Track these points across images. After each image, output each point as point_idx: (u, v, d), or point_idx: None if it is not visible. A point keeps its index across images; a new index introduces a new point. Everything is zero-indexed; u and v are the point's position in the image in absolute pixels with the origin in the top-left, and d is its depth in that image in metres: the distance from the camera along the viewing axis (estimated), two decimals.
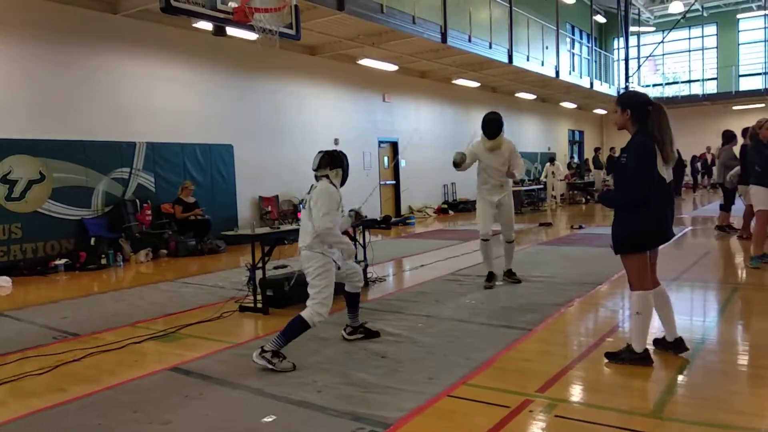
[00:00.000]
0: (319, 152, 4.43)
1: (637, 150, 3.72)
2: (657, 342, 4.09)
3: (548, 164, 19.23)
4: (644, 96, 3.92)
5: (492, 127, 6.29)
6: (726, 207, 10.23)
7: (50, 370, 4.16)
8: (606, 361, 3.92)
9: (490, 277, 6.60)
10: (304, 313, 4.09)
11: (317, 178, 4.38)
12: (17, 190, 8.66)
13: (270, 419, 3.21)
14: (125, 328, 5.31)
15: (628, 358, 3.84)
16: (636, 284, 3.83)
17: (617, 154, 20.78)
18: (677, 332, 3.99)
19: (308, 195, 4.36)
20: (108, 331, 5.19)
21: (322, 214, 4.13)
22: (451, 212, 17.63)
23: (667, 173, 3.73)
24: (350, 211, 4.82)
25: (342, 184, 4.42)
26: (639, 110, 3.77)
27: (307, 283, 4.22)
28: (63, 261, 8.76)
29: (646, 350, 3.85)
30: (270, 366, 3.94)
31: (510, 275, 6.77)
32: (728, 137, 10.17)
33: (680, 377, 3.68)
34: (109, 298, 6.72)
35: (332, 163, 4.37)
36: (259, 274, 5.82)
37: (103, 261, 8.97)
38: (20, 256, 8.62)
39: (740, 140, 9.69)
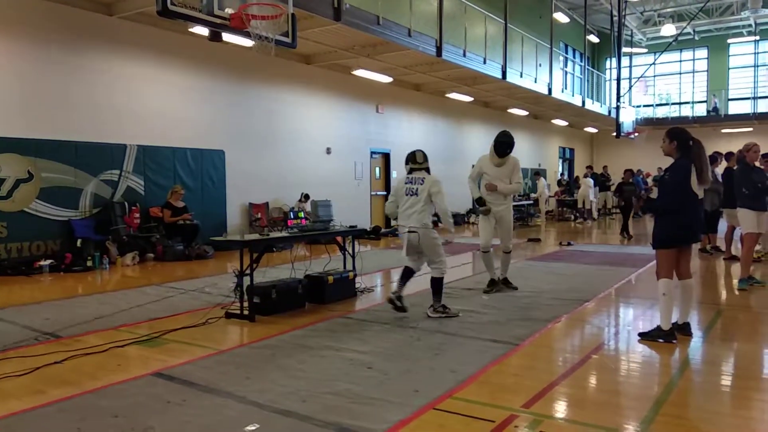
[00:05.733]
0: (411, 152, 5.89)
1: (676, 171, 4.82)
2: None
3: (541, 180, 19.37)
4: (687, 132, 4.94)
5: (506, 148, 6.71)
6: (708, 229, 10.30)
7: (30, 371, 4.10)
8: (639, 339, 4.87)
9: (492, 283, 7.01)
10: (437, 273, 5.71)
11: (413, 170, 5.81)
12: (4, 188, 8.57)
13: (253, 428, 3.17)
14: (109, 331, 5.25)
15: (657, 335, 4.80)
16: (662, 273, 4.85)
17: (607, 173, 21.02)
18: (687, 318, 5.00)
19: (414, 185, 5.70)
20: (91, 334, 5.13)
21: (443, 200, 5.66)
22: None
23: (699, 191, 4.77)
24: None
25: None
26: (683, 142, 4.85)
27: (423, 252, 5.73)
28: (48, 262, 8.66)
29: (672, 328, 4.79)
30: (448, 314, 5.64)
31: (506, 283, 7.10)
32: (711, 159, 10.21)
33: (666, 396, 3.68)
34: (94, 301, 6.64)
35: (426, 158, 5.88)
36: (247, 280, 5.78)
37: (89, 263, 8.89)
38: (4, 255, 8.51)
39: (723, 164, 9.81)
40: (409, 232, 5.66)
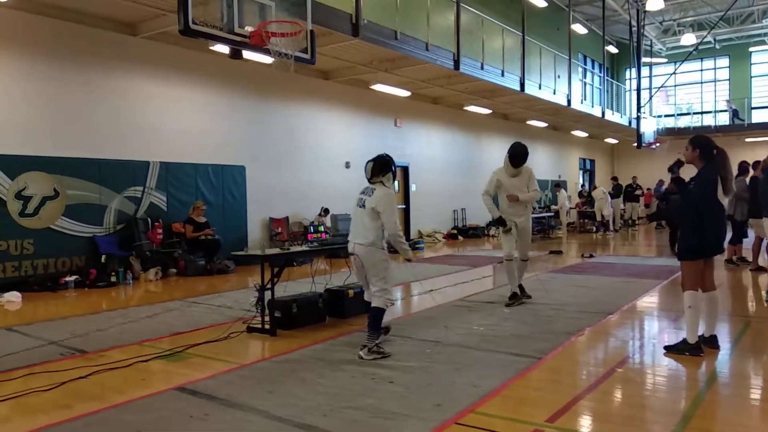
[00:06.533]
0: (368, 161, 5.03)
1: (703, 180, 4.73)
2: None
3: (562, 191, 19.20)
4: (711, 140, 4.86)
5: (521, 159, 6.78)
6: (735, 240, 10.12)
7: (57, 386, 4.15)
8: (665, 352, 4.76)
9: (514, 296, 6.98)
10: (379, 302, 4.84)
11: (373, 184, 4.99)
12: (31, 206, 8.75)
13: None
14: (132, 346, 5.31)
15: (683, 348, 4.69)
16: (688, 285, 4.75)
17: (637, 183, 20.72)
18: (714, 331, 4.87)
19: (365, 195, 4.95)
20: (115, 349, 5.19)
21: (394, 219, 4.86)
22: (460, 238, 17.59)
23: (724, 201, 4.82)
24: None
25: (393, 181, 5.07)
26: (706, 150, 4.76)
27: (374, 274, 4.92)
28: (73, 278, 8.81)
29: (698, 341, 4.67)
30: (381, 355, 4.69)
31: (521, 290, 7.14)
32: (742, 169, 10.03)
33: (693, 410, 3.61)
34: (118, 316, 6.72)
35: (383, 169, 5.01)
36: (268, 295, 5.81)
37: (113, 279, 9.01)
38: (31, 272, 8.67)
39: (751, 172, 9.63)
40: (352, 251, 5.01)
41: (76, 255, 9.21)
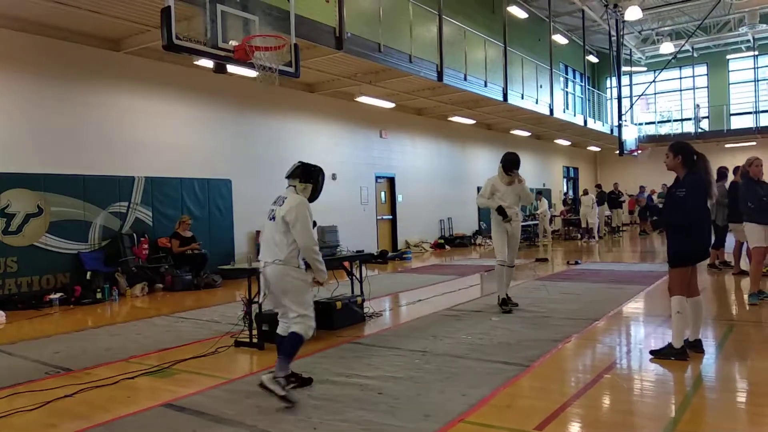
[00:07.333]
0: (298, 162, 4.42)
1: (693, 186, 4.69)
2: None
3: (543, 200, 19.31)
4: (692, 146, 4.86)
5: (514, 165, 7.06)
6: (718, 244, 10.26)
7: (41, 406, 4.10)
8: (651, 357, 4.79)
9: (504, 302, 7.13)
10: (299, 330, 4.07)
11: (288, 186, 4.35)
12: (14, 224, 8.66)
13: None
14: (119, 363, 5.25)
15: (669, 353, 4.73)
16: (676, 291, 4.77)
17: (619, 190, 20.91)
18: (699, 335, 4.93)
19: (275, 206, 4.23)
20: (101, 367, 5.13)
21: (307, 230, 4.11)
22: (447, 247, 17.65)
23: (708, 205, 4.82)
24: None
25: (312, 199, 4.35)
26: (688, 156, 4.76)
27: (289, 299, 4.13)
28: (58, 295, 8.70)
29: (683, 346, 4.73)
30: (282, 392, 3.87)
31: (508, 299, 7.25)
32: (721, 174, 10.15)
33: (680, 415, 3.65)
34: (103, 333, 6.66)
35: (304, 176, 4.34)
36: (255, 308, 5.79)
37: (99, 295, 8.91)
38: (15, 290, 8.56)
39: (730, 177, 9.79)
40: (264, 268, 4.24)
41: (60, 272, 9.11)
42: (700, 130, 25.98)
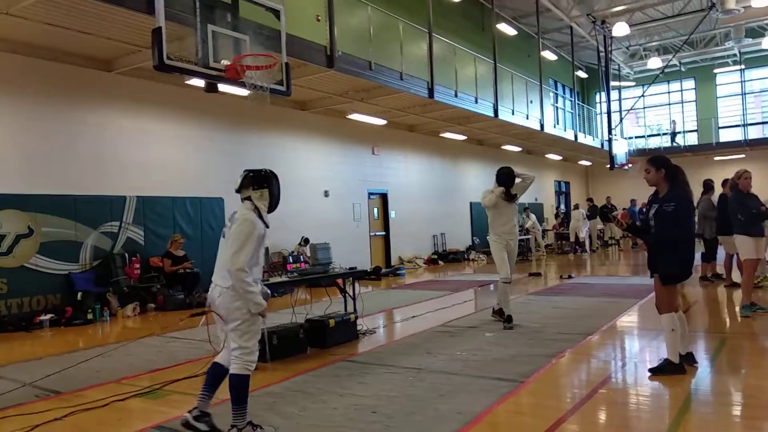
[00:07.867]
0: (244, 171, 3.88)
1: (682, 200, 4.70)
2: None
3: (531, 215, 19.36)
4: (669, 159, 4.83)
5: (509, 179, 7.24)
6: (708, 257, 10.31)
7: (31, 429, 4.04)
8: (650, 375, 4.71)
9: (510, 319, 7.06)
10: (237, 369, 3.63)
11: (242, 201, 3.83)
12: (5, 245, 8.59)
13: None
14: (110, 384, 5.19)
15: (668, 369, 4.70)
16: (666, 308, 4.76)
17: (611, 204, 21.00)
18: (689, 348, 4.95)
19: (230, 222, 3.77)
20: (92, 388, 5.07)
21: (234, 250, 3.53)
22: (441, 263, 17.63)
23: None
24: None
25: (271, 209, 3.85)
26: (671, 169, 4.73)
27: (231, 328, 3.69)
28: (48, 316, 8.60)
29: (681, 360, 4.72)
30: None
31: (501, 313, 7.25)
32: (707, 187, 10.18)
33: (675, 428, 3.64)
34: (94, 354, 6.57)
35: (257, 182, 3.79)
36: None
37: (90, 316, 8.83)
38: (5, 311, 8.46)
39: (719, 190, 9.84)
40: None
41: (51, 293, 9.02)
42: (675, 144, 26.31)
